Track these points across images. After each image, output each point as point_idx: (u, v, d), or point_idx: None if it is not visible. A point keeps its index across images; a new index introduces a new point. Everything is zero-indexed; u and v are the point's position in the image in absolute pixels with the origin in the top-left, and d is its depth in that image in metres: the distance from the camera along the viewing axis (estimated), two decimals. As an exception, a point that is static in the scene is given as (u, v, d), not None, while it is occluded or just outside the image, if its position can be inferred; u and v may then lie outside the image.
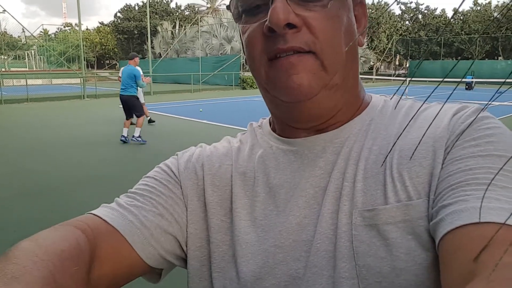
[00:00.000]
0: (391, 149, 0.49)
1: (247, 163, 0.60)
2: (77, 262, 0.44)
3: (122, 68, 8.25)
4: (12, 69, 37.10)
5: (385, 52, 40.47)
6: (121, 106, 8.36)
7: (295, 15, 0.47)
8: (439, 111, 0.49)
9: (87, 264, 0.46)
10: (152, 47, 35.68)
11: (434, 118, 0.46)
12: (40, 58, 43.48)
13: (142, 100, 9.65)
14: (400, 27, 41.87)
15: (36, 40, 41.85)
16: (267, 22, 0.47)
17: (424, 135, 0.47)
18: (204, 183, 0.60)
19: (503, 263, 0.32)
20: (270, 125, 0.64)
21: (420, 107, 0.53)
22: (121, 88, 8.11)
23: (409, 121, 0.51)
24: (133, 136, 7.95)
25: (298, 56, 0.49)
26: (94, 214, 0.54)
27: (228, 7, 0.56)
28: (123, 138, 8.05)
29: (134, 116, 8.20)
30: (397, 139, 0.50)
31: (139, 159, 6.81)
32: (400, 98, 0.57)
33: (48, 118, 11.64)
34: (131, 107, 8.11)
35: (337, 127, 0.56)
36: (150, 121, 10.10)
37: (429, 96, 0.36)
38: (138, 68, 8.50)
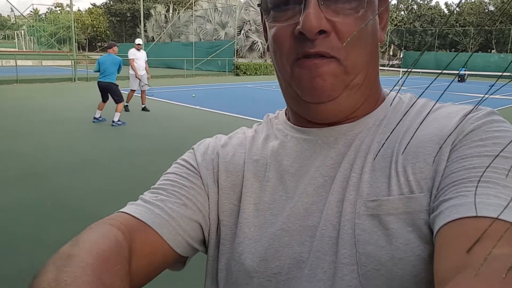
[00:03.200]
0: (386, 139, 0.51)
1: (261, 151, 0.62)
2: (119, 260, 0.46)
3: (99, 58, 8.40)
4: (1, 49, 36.36)
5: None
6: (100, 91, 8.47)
7: (327, 20, 0.49)
8: (429, 108, 0.51)
9: (127, 259, 0.48)
10: (145, 31, 35.19)
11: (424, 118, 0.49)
12: (30, 38, 42.60)
13: (146, 87, 9.76)
14: (395, 17, 41.77)
15: (26, 20, 40.95)
16: (299, 26, 0.49)
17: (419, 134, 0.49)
18: (218, 170, 0.62)
19: (493, 255, 0.32)
20: (286, 115, 0.66)
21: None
22: (102, 75, 8.26)
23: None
24: (113, 122, 8.10)
25: (323, 59, 0.51)
26: (123, 212, 0.56)
27: (259, 5, 0.57)
28: (95, 120, 8.34)
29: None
30: (390, 133, 0.52)
31: (130, 144, 6.75)
32: (398, 91, 0.59)
33: (37, 100, 11.47)
34: (112, 93, 8.27)
35: (353, 121, 0.58)
36: (144, 109, 9.98)
37: (426, 89, 0.37)
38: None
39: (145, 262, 0.53)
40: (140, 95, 9.94)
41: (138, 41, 9.74)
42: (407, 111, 0.56)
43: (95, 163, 5.55)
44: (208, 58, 26.29)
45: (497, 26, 34.71)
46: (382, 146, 0.53)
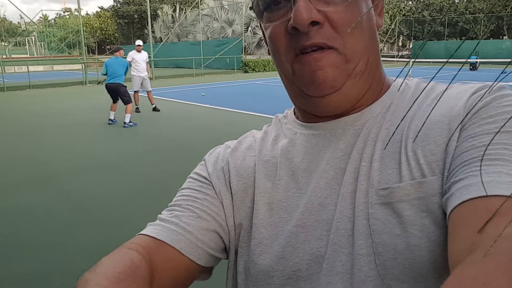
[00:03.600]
0: (398, 125, 0.51)
1: (271, 152, 0.63)
2: (134, 280, 0.47)
3: (106, 61, 8.58)
4: (13, 55, 36.90)
5: (388, 33, 39.94)
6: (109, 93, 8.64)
7: (317, 11, 0.49)
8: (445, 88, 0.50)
9: (145, 279, 0.49)
10: (153, 32, 35.33)
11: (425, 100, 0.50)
12: (41, 44, 43.14)
13: (149, 87, 9.90)
14: (404, 7, 41.23)
15: (36, 26, 41.47)
16: (291, 21, 0.49)
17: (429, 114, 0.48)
18: (230, 176, 0.63)
19: (504, 235, 0.32)
20: (294, 114, 0.66)
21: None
22: (110, 77, 8.43)
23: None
24: (125, 123, 8.23)
25: (321, 52, 0.51)
26: (142, 234, 0.58)
27: (251, 8, 0.58)
28: (110, 122, 8.48)
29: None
30: (402, 118, 0.51)
31: (142, 144, 6.81)
32: (404, 79, 0.59)
33: (50, 105, 11.63)
34: (121, 94, 8.43)
35: (359, 111, 0.57)
36: (155, 109, 10.06)
37: (434, 77, 0.36)
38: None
39: (169, 279, 0.55)
40: (146, 96, 10.06)
41: (138, 42, 9.83)
42: (417, 98, 0.54)
43: (109, 165, 5.62)
44: (216, 56, 26.29)
45: (508, 12, 34.00)
46: (393, 134, 0.52)
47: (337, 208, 0.52)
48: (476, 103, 0.48)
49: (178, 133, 7.58)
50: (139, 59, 9.59)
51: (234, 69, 24.97)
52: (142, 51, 9.71)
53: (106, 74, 8.54)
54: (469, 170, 0.41)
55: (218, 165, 0.65)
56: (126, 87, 8.57)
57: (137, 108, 9.75)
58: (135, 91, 9.79)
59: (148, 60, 9.90)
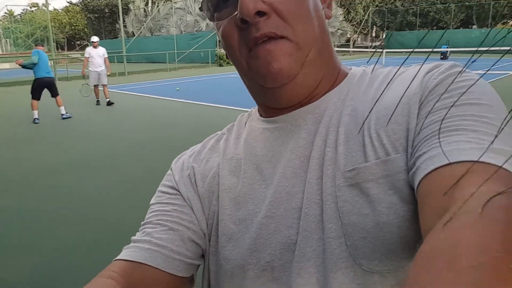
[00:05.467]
0: (370, 112, 0.52)
1: (234, 150, 0.63)
2: None
3: (38, 53, 8.55)
4: (-23, 53, 35.41)
5: (362, 24, 40.35)
6: (36, 88, 8.52)
7: (263, 2, 0.51)
8: (416, 73, 0.52)
9: None
10: (125, 26, 34.51)
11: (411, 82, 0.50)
12: (6, 41, 41.54)
13: (105, 81, 10.34)
14: (376, -2, 41.67)
15: (1, 22, 39.90)
16: (238, 14, 0.51)
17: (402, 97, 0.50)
18: (195, 180, 0.63)
19: (471, 196, 0.33)
20: (258, 112, 0.66)
21: (396, 72, 0.55)
22: (44, 71, 8.47)
23: (387, 85, 0.54)
24: (62, 115, 8.52)
25: (273, 42, 0.52)
26: (118, 260, 0.58)
27: (200, 9, 0.59)
28: (37, 121, 8.28)
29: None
30: (376, 102, 0.52)
31: (114, 143, 6.61)
32: (375, 65, 0.59)
33: (18, 103, 11.19)
34: (53, 88, 8.60)
35: (317, 99, 0.58)
36: (108, 103, 10.29)
37: (402, 64, 0.38)
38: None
39: None
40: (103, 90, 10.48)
41: (93, 38, 10.36)
42: (389, 80, 0.55)
43: (82, 164, 5.42)
44: (191, 50, 25.97)
45: (477, 1, 34.86)
46: (365, 120, 0.52)
47: (304, 195, 0.53)
48: (431, 81, 0.50)
49: (152, 129, 7.40)
50: (94, 54, 10.10)
51: (209, 62, 24.74)
52: (99, 47, 10.25)
53: (33, 65, 8.40)
54: (431, 143, 0.43)
55: (184, 172, 0.65)
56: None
57: (98, 101, 10.39)
58: (94, 85, 10.31)
59: (106, 55, 10.34)
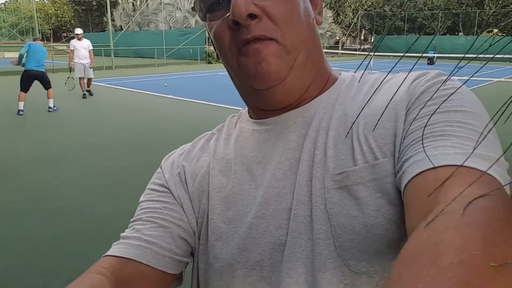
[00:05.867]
0: (358, 116, 0.53)
1: (224, 150, 0.64)
2: None
3: (32, 44, 8.60)
4: (-41, 42, 34.44)
5: (351, 26, 40.67)
6: (24, 81, 8.44)
7: (254, 5, 0.52)
8: (403, 80, 0.54)
9: None
10: (113, 20, 34.06)
11: (399, 87, 0.52)
12: (-10, 30, 40.56)
13: (91, 75, 10.42)
14: (366, 2, 42.04)
15: (-15, 11, 38.91)
16: (230, 16, 0.52)
17: (390, 101, 0.51)
18: (186, 178, 0.64)
19: (453, 198, 0.34)
20: (248, 113, 0.67)
21: (384, 78, 0.57)
22: (33, 64, 8.41)
23: (375, 90, 0.56)
24: (50, 108, 8.46)
25: (262, 43, 0.53)
26: (107, 256, 0.58)
27: (193, 9, 0.60)
28: (21, 113, 8.18)
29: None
30: (363, 107, 0.53)
31: (100, 137, 6.51)
32: (364, 72, 0.58)
33: (2, 95, 10.93)
34: (44, 81, 8.51)
35: (307, 103, 0.59)
36: (89, 92, 10.53)
37: (391, 70, 0.39)
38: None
39: None
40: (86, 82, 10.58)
41: (77, 31, 10.39)
42: (377, 86, 0.57)
43: (64, 157, 5.32)
44: (179, 47, 25.77)
45: (464, 9, 35.49)
46: (353, 123, 0.54)
47: (294, 196, 0.53)
48: (418, 88, 0.52)
49: (139, 123, 7.31)
50: (79, 46, 10.13)
51: (198, 59, 24.58)
52: (84, 39, 10.28)
53: (21, 56, 8.36)
54: (416, 147, 0.45)
55: (174, 171, 0.66)
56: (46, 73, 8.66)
57: (84, 94, 10.38)
58: (80, 78, 10.32)
59: (91, 48, 10.34)
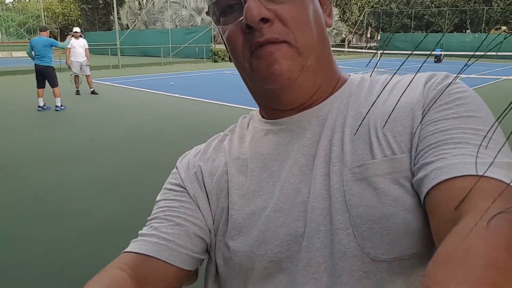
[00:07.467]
0: (370, 109, 0.57)
1: (239, 149, 0.66)
2: None
3: (31, 40, 8.61)
4: (-33, 41, 34.75)
5: (357, 24, 40.45)
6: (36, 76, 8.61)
7: (267, 10, 0.54)
8: (411, 80, 0.58)
9: None
10: (119, 18, 34.13)
11: (408, 85, 0.56)
12: (-2, 29, 40.88)
13: (88, 72, 10.57)
14: (372, -1, 41.78)
15: (-7, 10, 39.20)
16: (243, 20, 0.54)
17: (398, 100, 0.55)
18: (203, 177, 0.66)
19: (478, 209, 0.38)
20: (260, 114, 0.69)
21: (392, 77, 0.61)
22: (37, 58, 8.40)
23: (384, 87, 0.60)
24: (57, 107, 8.51)
25: (275, 45, 0.55)
26: (126, 252, 0.61)
27: (207, 13, 0.62)
28: (40, 109, 8.39)
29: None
30: (374, 102, 0.58)
31: (108, 135, 6.55)
32: (373, 71, 0.62)
33: (10, 94, 11.03)
34: (47, 78, 8.45)
35: (319, 103, 0.62)
36: (93, 92, 10.71)
37: (399, 68, 0.40)
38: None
39: None
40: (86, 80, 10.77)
41: (75, 29, 10.64)
42: (388, 86, 0.60)
43: (70, 156, 5.37)
44: (185, 45, 25.81)
45: (471, 6, 35.13)
46: (363, 119, 0.57)
47: (311, 190, 0.56)
48: (431, 91, 0.55)
49: (145, 123, 7.35)
50: (76, 45, 10.32)
51: (203, 58, 24.62)
52: (80, 38, 10.50)
53: (31, 54, 8.41)
54: (438, 153, 0.47)
55: (190, 171, 0.68)
56: (54, 69, 8.61)
57: (77, 90, 10.67)
58: (75, 75, 10.59)
59: (87, 46, 10.59)
